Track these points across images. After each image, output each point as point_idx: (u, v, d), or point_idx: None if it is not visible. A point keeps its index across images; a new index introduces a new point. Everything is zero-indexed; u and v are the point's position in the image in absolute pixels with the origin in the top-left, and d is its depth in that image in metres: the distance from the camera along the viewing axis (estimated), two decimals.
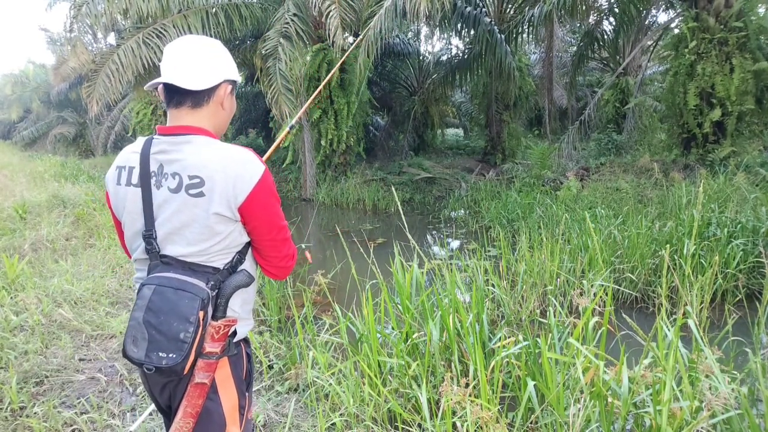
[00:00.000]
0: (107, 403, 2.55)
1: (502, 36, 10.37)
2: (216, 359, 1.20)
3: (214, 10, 9.98)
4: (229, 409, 1.26)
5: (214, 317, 1.20)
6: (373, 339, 2.48)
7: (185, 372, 1.15)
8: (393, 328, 2.78)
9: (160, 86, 1.22)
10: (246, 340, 1.37)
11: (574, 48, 15.42)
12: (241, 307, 1.29)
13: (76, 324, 3.36)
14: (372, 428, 2.24)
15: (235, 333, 1.26)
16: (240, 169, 1.16)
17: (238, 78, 1.35)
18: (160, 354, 1.11)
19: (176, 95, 1.20)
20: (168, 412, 1.33)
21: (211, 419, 1.24)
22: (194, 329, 1.12)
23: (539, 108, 15.03)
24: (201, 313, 1.14)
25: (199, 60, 1.19)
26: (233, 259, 1.23)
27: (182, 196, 1.15)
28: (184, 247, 1.18)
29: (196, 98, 1.20)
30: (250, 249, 1.29)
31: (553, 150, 9.62)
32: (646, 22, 11.86)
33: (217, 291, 1.21)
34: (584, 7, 9.22)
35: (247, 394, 1.33)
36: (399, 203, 2.91)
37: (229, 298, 1.22)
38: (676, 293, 3.48)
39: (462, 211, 8.93)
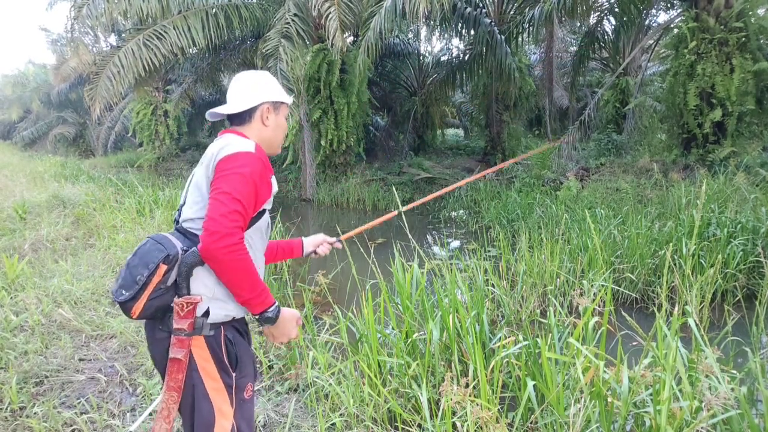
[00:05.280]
0: (107, 403, 2.55)
1: (503, 36, 10.37)
2: (186, 336, 1.32)
3: (214, 11, 9.98)
4: (213, 389, 1.37)
5: (179, 295, 1.33)
6: (373, 339, 2.48)
7: (133, 314, 1.31)
8: (393, 328, 2.78)
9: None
10: (232, 326, 1.43)
11: (574, 48, 15.42)
12: (216, 286, 1.37)
13: (76, 324, 3.36)
14: (372, 428, 2.24)
15: (207, 314, 1.36)
16: (227, 142, 1.39)
17: (285, 99, 1.57)
18: (122, 290, 1.30)
19: (227, 119, 1.54)
20: None
21: (198, 397, 1.36)
22: (148, 275, 1.28)
23: (539, 108, 15.02)
24: (163, 266, 1.29)
25: (239, 89, 1.51)
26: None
27: (196, 169, 1.45)
28: (185, 211, 1.42)
29: (238, 119, 1.51)
30: None
31: (553, 150, 9.62)
32: (646, 22, 11.85)
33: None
34: (584, 8, 9.21)
35: (234, 374, 1.40)
36: (399, 203, 2.91)
37: (187, 277, 1.33)
38: (676, 293, 3.48)
39: (462, 211, 8.92)
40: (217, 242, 1.25)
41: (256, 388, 2.66)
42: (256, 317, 1.39)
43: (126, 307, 1.31)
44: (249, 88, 1.50)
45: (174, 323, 1.32)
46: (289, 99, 1.59)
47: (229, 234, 1.25)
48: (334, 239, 1.90)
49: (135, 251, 1.36)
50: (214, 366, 1.37)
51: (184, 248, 1.34)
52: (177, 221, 1.45)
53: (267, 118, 1.51)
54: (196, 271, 1.35)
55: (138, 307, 1.30)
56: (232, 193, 1.29)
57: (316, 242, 1.87)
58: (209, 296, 1.36)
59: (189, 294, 1.34)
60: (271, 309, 1.38)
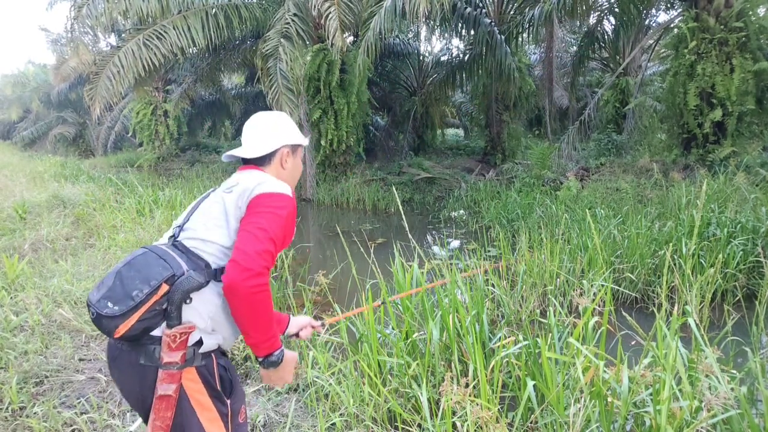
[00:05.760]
0: (107, 403, 2.55)
1: (502, 36, 10.37)
2: (177, 369, 1.21)
3: (213, 10, 9.98)
4: (208, 419, 1.28)
5: (169, 326, 1.21)
6: (373, 339, 2.48)
7: (116, 333, 1.18)
8: (393, 328, 2.78)
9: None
10: (221, 352, 1.36)
11: (574, 48, 15.42)
12: (213, 318, 1.29)
13: (76, 324, 3.36)
14: (372, 428, 2.24)
15: (200, 342, 1.26)
16: (263, 180, 1.38)
17: (303, 141, 1.59)
18: (109, 303, 1.18)
19: (246, 161, 1.52)
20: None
21: (191, 431, 1.26)
22: (148, 292, 1.18)
23: (539, 108, 15.03)
24: (165, 287, 1.20)
25: (260, 133, 1.51)
26: (220, 269, 1.28)
27: (218, 194, 1.41)
28: (198, 231, 1.34)
29: (259, 162, 1.51)
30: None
31: (553, 150, 9.62)
32: (646, 22, 11.85)
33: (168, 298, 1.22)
34: (584, 8, 9.21)
35: (229, 401, 1.33)
36: (399, 203, 2.91)
37: (180, 305, 1.22)
38: (676, 293, 3.48)
39: (462, 211, 8.92)
40: (248, 280, 1.18)
41: (255, 389, 2.67)
42: (260, 360, 1.32)
43: (109, 322, 1.18)
44: (269, 131, 1.52)
45: (164, 356, 1.20)
46: (305, 141, 1.61)
47: (260, 273, 1.20)
48: (318, 323, 1.76)
49: (129, 261, 1.25)
50: (208, 397, 1.28)
51: (191, 270, 1.25)
52: (175, 237, 1.36)
53: (286, 161, 1.54)
54: (194, 298, 1.26)
55: (126, 326, 1.18)
56: (269, 231, 1.26)
57: (301, 324, 1.72)
58: (202, 327, 1.27)
59: (180, 323, 1.23)
60: (277, 353, 1.32)
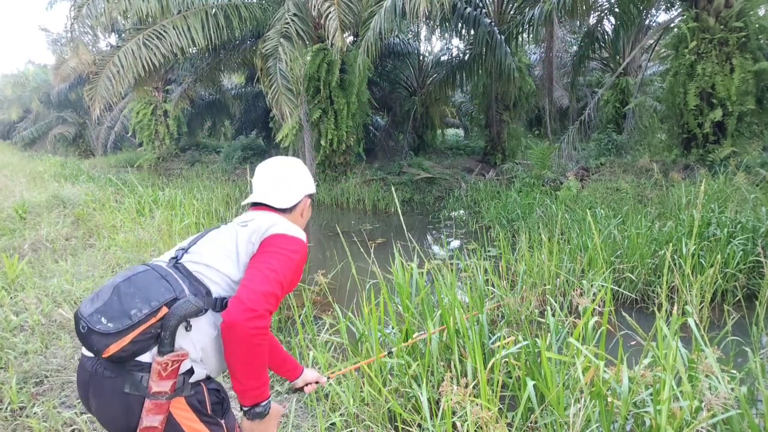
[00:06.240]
0: None
1: (502, 36, 10.37)
2: (166, 399, 1.14)
3: (213, 10, 9.98)
4: None
5: (160, 352, 1.14)
6: (374, 339, 2.48)
7: (105, 352, 1.10)
8: (392, 327, 2.78)
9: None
10: (209, 378, 1.31)
11: (575, 48, 15.42)
12: (205, 350, 1.24)
13: None
14: (372, 428, 2.24)
15: (191, 372, 1.21)
16: (278, 221, 1.38)
17: (315, 191, 1.61)
18: (102, 319, 1.11)
19: (261, 209, 1.47)
20: None
21: None
22: (147, 313, 1.11)
23: (539, 108, 15.03)
24: (164, 309, 1.14)
25: (284, 183, 1.50)
26: (220, 299, 1.24)
27: (231, 226, 1.39)
28: (204, 256, 1.30)
29: (282, 211, 1.48)
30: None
31: (553, 150, 9.62)
32: (646, 22, 11.86)
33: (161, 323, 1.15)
34: (584, 8, 9.21)
35: (223, 420, 1.30)
36: (398, 204, 2.91)
37: (174, 330, 1.15)
38: (676, 293, 3.48)
39: (462, 211, 8.92)
40: (249, 321, 1.13)
41: None
42: (245, 409, 1.25)
43: (101, 340, 1.10)
44: (294, 182, 1.52)
45: (152, 385, 1.12)
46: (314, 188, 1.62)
47: (262, 316, 1.15)
48: (324, 379, 1.73)
49: (129, 277, 1.19)
50: (201, 423, 1.23)
51: (193, 295, 1.19)
52: (177, 258, 1.30)
53: (305, 210, 1.56)
54: (193, 324, 1.20)
55: (118, 346, 1.10)
56: (279, 274, 1.23)
57: (309, 379, 1.66)
58: (193, 357, 1.21)
59: (172, 350, 1.15)
60: (264, 404, 1.25)
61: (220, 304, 1.22)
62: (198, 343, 1.21)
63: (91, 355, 1.18)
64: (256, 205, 1.50)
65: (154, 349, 1.15)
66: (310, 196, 1.58)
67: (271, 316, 1.19)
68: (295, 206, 1.51)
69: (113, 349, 1.10)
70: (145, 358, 1.16)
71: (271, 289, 1.19)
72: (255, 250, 1.30)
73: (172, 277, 1.20)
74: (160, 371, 1.13)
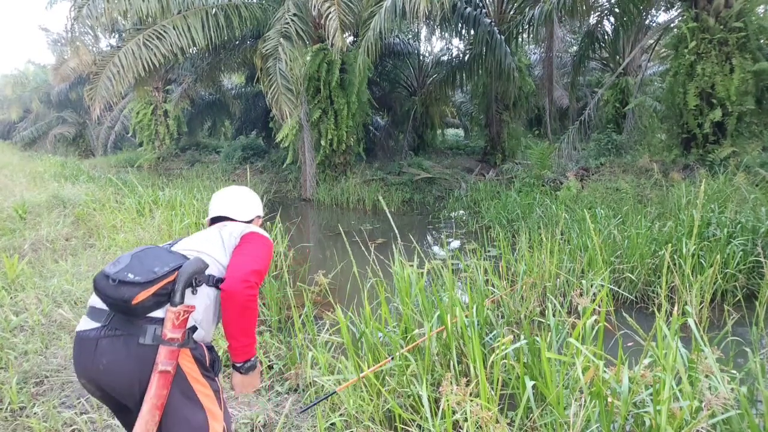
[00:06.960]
0: None
1: (502, 36, 10.37)
2: (177, 347, 1.34)
3: (213, 10, 9.98)
4: (204, 395, 1.43)
5: (173, 304, 1.36)
6: (375, 339, 2.48)
7: (135, 299, 1.30)
8: (391, 326, 2.78)
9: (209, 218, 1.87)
10: (208, 347, 1.52)
11: (575, 48, 15.42)
12: (204, 313, 1.47)
13: (76, 324, 3.36)
14: (371, 428, 2.24)
15: (195, 329, 1.44)
16: (252, 228, 1.72)
17: (263, 214, 1.97)
18: (130, 274, 1.33)
19: (227, 221, 1.80)
20: (119, 410, 1.50)
21: (187, 407, 1.39)
22: (167, 271, 1.36)
23: (539, 108, 15.03)
24: (176, 273, 1.38)
25: (243, 201, 1.89)
26: (213, 277, 1.49)
27: (212, 228, 1.72)
28: (200, 244, 1.60)
29: (244, 223, 1.78)
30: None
31: (553, 150, 9.62)
32: (646, 22, 11.85)
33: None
34: (584, 7, 9.21)
35: (216, 379, 1.51)
36: (386, 208, 2.90)
37: (185, 286, 1.38)
38: (676, 293, 3.48)
39: (462, 211, 8.92)
40: (246, 289, 1.42)
41: (255, 389, 2.67)
42: (239, 364, 1.51)
43: (130, 289, 1.31)
44: (249, 201, 1.91)
45: (167, 332, 1.33)
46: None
47: (254, 286, 1.44)
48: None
49: (141, 250, 1.44)
50: (202, 375, 1.43)
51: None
52: (170, 245, 1.62)
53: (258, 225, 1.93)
54: (200, 290, 1.44)
55: (145, 294, 1.31)
56: (261, 259, 1.55)
57: (246, 383, 1.71)
58: (195, 317, 1.43)
59: (183, 302, 1.38)
60: (253, 359, 1.53)
61: (213, 281, 1.48)
62: (199, 307, 1.45)
63: (95, 325, 1.38)
64: (218, 220, 1.82)
65: (166, 306, 1.37)
66: (260, 217, 1.95)
67: (258, 288, 1.48)
68: (250, 221, 1.88)
69: (142, 296, 1.31)
70: (157, 314, 1.37)
71: (258, 267, 1.50)
72: (237, 242, 1.61)
73: (175, 252, 1.48)
74: (174, 320, 1.33)
